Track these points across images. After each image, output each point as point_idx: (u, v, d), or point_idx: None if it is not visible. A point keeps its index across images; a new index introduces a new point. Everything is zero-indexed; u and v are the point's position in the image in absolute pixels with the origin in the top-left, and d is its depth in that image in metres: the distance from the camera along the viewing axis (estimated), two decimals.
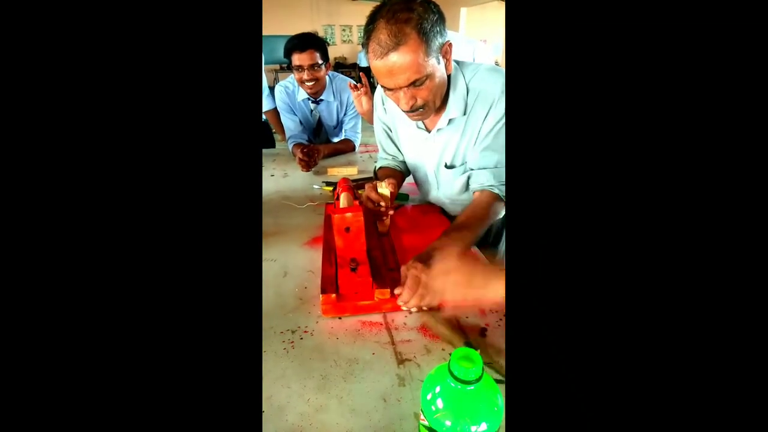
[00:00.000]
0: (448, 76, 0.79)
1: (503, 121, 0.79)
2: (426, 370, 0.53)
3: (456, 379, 0.29)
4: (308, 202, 1.09)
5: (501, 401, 0.30)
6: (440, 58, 0.71)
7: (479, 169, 0.84)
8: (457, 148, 0.86)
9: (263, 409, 0.48)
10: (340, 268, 0.67)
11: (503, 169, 0.82)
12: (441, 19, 0.69)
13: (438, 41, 0.68)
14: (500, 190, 0.82)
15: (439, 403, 0.30)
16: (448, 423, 0.29)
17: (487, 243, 1.01)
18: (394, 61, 0.66)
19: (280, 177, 1.32)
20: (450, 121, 0.83)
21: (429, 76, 0.69)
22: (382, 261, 0.70)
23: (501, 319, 0.62)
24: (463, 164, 0.88)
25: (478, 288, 0.46)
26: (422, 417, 0.32)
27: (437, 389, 0.31)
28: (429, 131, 0.88)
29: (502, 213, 0.89)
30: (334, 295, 0.61)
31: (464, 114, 0.81)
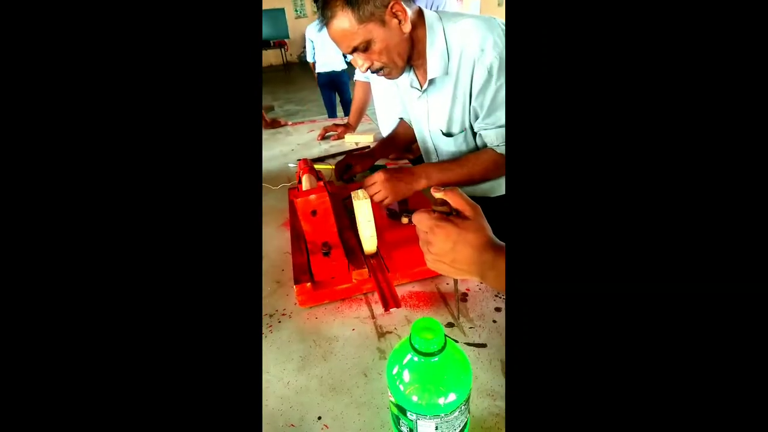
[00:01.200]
0: (423, 33, 0.74)
1: (496, 74, 0.73)
2: None
3: (418, 352, 0.28)
4: (283, 182, 1.06)
5: (469, 367, 0.29)
6: (386, 19, 0.68)
7: (484, 129, 0.78)
8: (451, 113, 0.81)
9: None
10: (312, 254, 0.64)
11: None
12: None
13: (373, 5, 0.67)
14: (504, 149, 0.77)
15: (405, 378, 0.29)
16: (414, 398, 0.28)
17: (501, 219, 0.97)
18: (331, 33, 0.71)
19: None
20: (432, 81, 0.78)
21: (370, 41, 0.70)
22: (356, 242, 0.68)
23: (482, 282, 0.61)
24: (462, 131, 0.83)
25: (467, 275, 0.43)
26: (390, 393, 0.30)
27: (402, 363, 0.29)
28: (421, 89, 0.83)
29: (497, 189, 0.86)
30: (309, 284, 0.59)
31: (446, 73, 0.76)
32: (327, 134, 1.39)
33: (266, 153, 1.31)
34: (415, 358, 0.28)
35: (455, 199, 0.43)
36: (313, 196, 0.65)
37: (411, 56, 0.76)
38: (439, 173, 0.77)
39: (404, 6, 0.69)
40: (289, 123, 1.62)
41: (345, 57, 2.82)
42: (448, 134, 0.85)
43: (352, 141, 1.33)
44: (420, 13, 0.74)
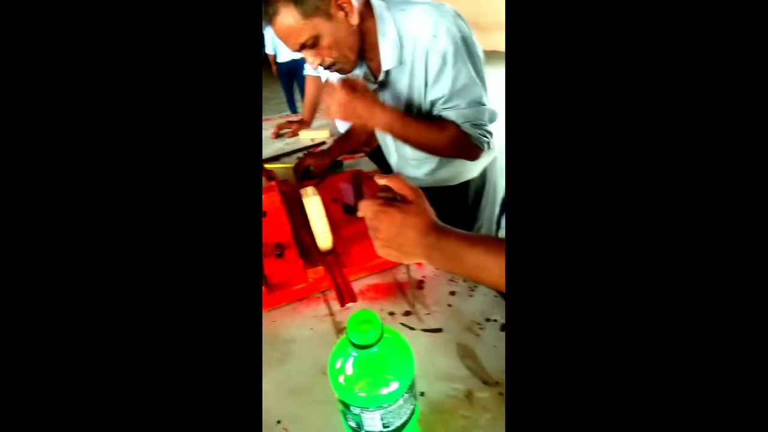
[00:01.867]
0: (373, 24, 0.72)
1: (452, 60, 0.71)
2: None
3: (355, 346, 0.27)
4: None
5: (410, 353, 0.29)
6: (332, 12, 0.66)
7: (445, 110, 0.75)
8: (408, 103, 0.78)
9: None
10: (265, 257, 0.63)
11: (476, 108, 0.74)
12: None
13: None
14: (470, 128, 0.74)
15: (347, 372, 0.29)
16: (358, 392, 0.28)
17: (466, 205, 0.96)
18: (276, 31, 0.68)
19: None
20: (387, 72, 0.76)
21: (318, 37, 0.67)
22: (310, 240, 0.67)
23: (429, 263, 0.62)
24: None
25: (413, 258, 0.44)
26: (335, 390, 0.30)
27: (343, 360, 0.29)
28: (376, 81, 0.80)
29: (473, 161, 0.82)
30: (264, 288, 0.57)
31: (400, 63, 0.74)
32: (281, 132, 1.35)
33: None
34: (354, 353, 0.28)
35: (397, 185, 0.44)
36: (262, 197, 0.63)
37: (363, 48, 0.74)
38: (400, 124, 0.72)
39: None
40: None
41: None
42: None
43: (308, 137, 1.30)
44: (367, 4, 0.72)
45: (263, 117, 1.71)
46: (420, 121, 0.75)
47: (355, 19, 0.69)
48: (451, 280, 0.60)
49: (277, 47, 2.89)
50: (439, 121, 0.76)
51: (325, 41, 0.68)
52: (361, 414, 0.28)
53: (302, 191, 0.63)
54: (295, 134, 1.34)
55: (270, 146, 1.29)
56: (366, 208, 0.43)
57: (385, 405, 0.28)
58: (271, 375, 0.48)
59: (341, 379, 0.29)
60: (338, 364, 0.29)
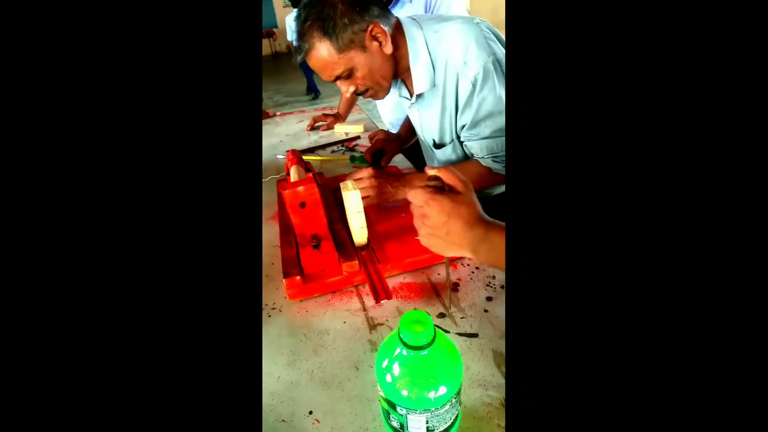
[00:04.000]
0: (406, 48, 0.72)
1: (479, 86, 0.70)
2: None
3: (407, 346, 0.27)
4: (272, 174, 1.04)
5: (460, 359, 0.29)
6: (367, 44, 0.67)
7: (468, 140, 0.76)
8: (441, 124, 0.78)
9: None
10: (301, 247, 0.63)
11: (499, 139, 0.73)
12: (358, 6, 0.65)
13: (351, 32, 0.65)
14: (492, 162, 0.74)
15: (394, 372, 0.28)
16: (404, 392, 0.27)
17: (501, 215, 0.96)
18: (311, 64, 0.69)
19: None
20: (420, 95, 0.76)
21: (352, 69, 0.68)
22: (346, 233, 0.67)
23: (474, 272, 0.61)
24: (452, 141, 0.81)
25: (459, 250, 0.43)
26: (379, 388, 0.30)
27: (391, 357, 0.28)
28: (410, 99, 0.81)
29: (496, 188, 0.83)
30: (298, 278, 0.58)
31: (433, 86, 0.74)
32: (316, 125, 1.36)
33: None
34: (404, 352, 0.27)
35: (448, 176, 0.43)
36: (301, 188, 0.64)
37: (396, 72, 0.74)
38: (401, 190, 0.74)
39: (383, 27, 0.66)
40: (278, 114, 1.59)
41: None
42: (440, 145, 0.83)
43: (342, 131, 1.31)
44: (398, 26, 0.72)
45: (299, 110, 1.73)
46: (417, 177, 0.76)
47: (389, 48, 0.68)
48: (488, 285, 0.58)
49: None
50: (463, 162, 0.78)
51: (359, 72, 0.69)
52: (407, 415, 0.28)
53: (342, 184, 0.63)
54: (330, 128, 1.34)
55: (305, 138, 1.31)
56: (415, 196, 0.43)
57: (432, 408, 0.27)
58: (305, 365, 0.49)
59: (389, 377, 0.28)
60: (386, 363, 0.29)
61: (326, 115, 1.38)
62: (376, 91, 0.74)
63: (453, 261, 0.63)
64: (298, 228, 0.67)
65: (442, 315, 0.54)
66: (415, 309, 0.29)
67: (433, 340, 0.27)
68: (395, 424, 0.29)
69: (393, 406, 0.28)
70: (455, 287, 0.59)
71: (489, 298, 0.56)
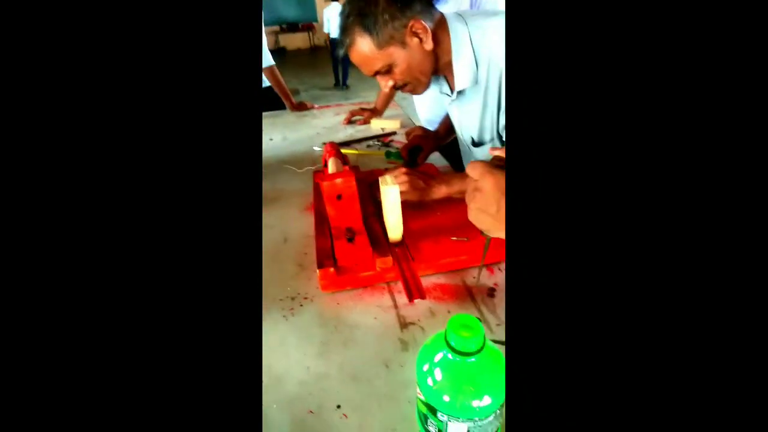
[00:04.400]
0: (448, 44, 0.70)
1: None
2: (430, 334, 0.50)
3: (454, 350, 0.26)
4: (308, 165, 1.05)
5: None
6: (407, 40, 0.66)
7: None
8: (482, 122, 0.77)
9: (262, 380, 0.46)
10: (336, 239, 0.63)
11: None
12: (399, 1, 0.64)
13: (391, 28, 0.64)
14: None
15: (437, 375, 0.27)
16: (446, 398, 0.26)
17: None
18: (352, 58, 0.70)
19: (279, 141, 1.27)
20: (461, 92, 0.74)
21: (392, 65, 0.68)
22: (381, 229, 0.66)
23: None
24: (491, 140, 0.79)
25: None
26: (418, 391, 0.29)
27: (434, 360, 0.27)
28: (451, 95, 0.79)
29: None
30: (332, 269, 0.57)
31: (475, 83, 0.72)
32: (353, 118, 1.36)
33: (292, 136, 1.30)
34: (450, 356, 0.26)
35: None
36: (339, 180, 0.64)
37: (437, 68, 0.72)
38: (459, 183, 0.73)
39: (424, 23, 0.65)
40: (315, 106, 1.60)
41: None
42: (479, 143, 0.81)
43: (379, 127, 1.30)
44: (442, 22, 0.70)
45: (336, 103, 1.74)
46: (460, 177, 0.74)
47: (429, 44, 0.67)
48: None
49: (330, 26, 3.91)
50: None
51: (399, 68, 0.68)
52: (448, 422, 0.27)
53: (381, 179, 0.62)
54: (366, 122, 1.34)
55: (341, 131, 1.31)
56: (474, 168, 0.40)
57: (476, 418, 0.26)
58: (334, 358, 0.48)
59: (430, 381, 0.27)
60: (428, 366, 0.28)
61: (363, 110, 1.38)
62: (414, 86, 0.73)
63: (489, 265, 0.61)
64: (334, 220, 0.67)
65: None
66: (460, 313, 0.27)
67: (482, 348, 0.26)
68: (432, 429, 0.28)
69: (433, 411, 0.27)
70: (491, 292, 0.57)
71: None
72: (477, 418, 0.26)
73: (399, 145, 1.12)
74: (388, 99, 1.39)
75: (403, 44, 0.67)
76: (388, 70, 0.69)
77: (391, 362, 0.47)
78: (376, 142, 1.18)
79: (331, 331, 0.52)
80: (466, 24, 0.70)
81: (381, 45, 0.66)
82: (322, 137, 1.26)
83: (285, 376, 0.47)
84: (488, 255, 0.55)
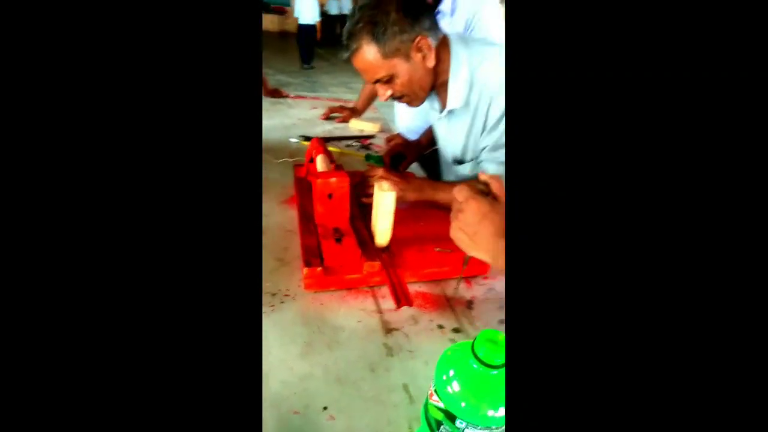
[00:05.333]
0: (447, 63, 0.73)
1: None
2: (414, 341, 0.51)
3: (479, 361, 0.27)
4: (285, 156, 1.01)
5: None
6: (411, 54, 0.69)
7: (486, 161, 0.77)
8: (466, 142, 0.80)
9: None
10: (323, 238, 0.62)
11: None
12: (410, 16, 0.66)
13: (399, 41, 0.67)
14: None
15: (455, 384, 0.28)
16: (463, 404, 0.28)
17: None
18: (355, 64, 0.71)
19: None
20: (451, 111, 0.77)
21: (393, 75, 0.70)
22: (366, 232, 0.66)
23: (489, 291, 0.62)
24: (472, 160, 0.83)
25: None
26: (434, 397, 0.30)
27: (456, 370, 0.29)
28: (440, 112, 0.82)
29: None
30: (320, 269, 0.56)
31: (466, 105, 0.75)
32: (332, 115, 1.35)
33: (266, 123, 1.25)
34: (475, 365, 0.28)
35: (497, 186, 0.45)
36: (333, 179, 0.63)
37: (434, 85, 0.75)
38: (431, 191, 0.77)
39: (429, 40, 0.68)
40: (291, 95, 1.56)
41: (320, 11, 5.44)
42: (460, 161, 0.85)
43: (357, 127, 1.30)
44: (445, 42, 0.73)
45: (313, 95, 1.70)
46: (445, 186, 0.78)
47: (431, 62, 0.70)
48: (501, 308, 0.59)
49: (300, 12, 5.06)
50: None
51: (400, 80, 0.71)
52: (465, 429, 0.28)
53: (377, 184, 0.62)
54: (345, 120, 1.33)
55: (319, 126, 1.29)
56: (461, 190, 0.44)
57: (494, 427, 0.27)
58: (319, 359, 0.48)
59: (450, 389, 0.28)
60: (451, 373, 0.29)
61: (343, 108, 1.37)
62: (411, 99, 0.75)
63: (468, 278, 0.64)
64: (320, 218, 0.66)
65: (457, 330, 0.55)
66: (495, 330, 0.29)
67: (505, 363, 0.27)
68: None
69: (452, 418, 0.28)
70: (469, 305, 0.59)
71: (501, 321, 0.57)
72: (494, 427, 0.27)
73: (378, 149, 1.13)
74: (370, 100, 1.40)
75: (408, 58, 0.69)
76: (389, 80, 0.71)
77: (376, 366, 0.48)
78: (355, 143, 1.18)
79: (314, 332, 0.52)
80: (468, 48, 0.74)
81: (387, 55, 0.67)
82: (299, 129, 1.23)
83: (268, 374, 0.45)
84: (467, 269, 0.58)
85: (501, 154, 0.75)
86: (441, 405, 0.29)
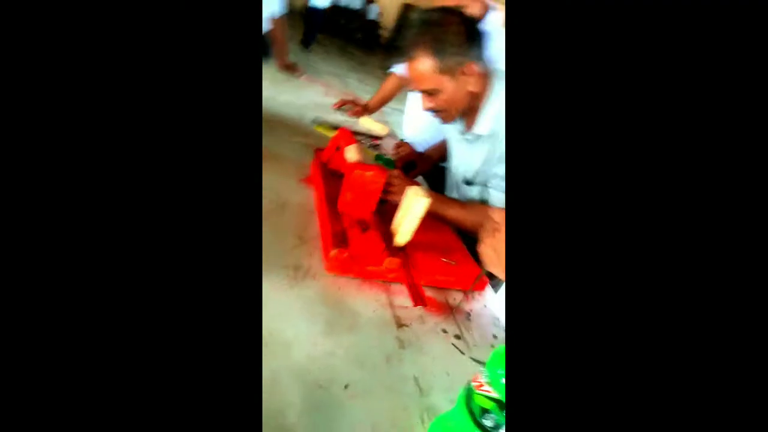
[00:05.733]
0: (484, 92, 0.79)
1: None
2: (423, 339, 0.55)
3: None
4: (299, 137, 1.01)
5: None
6: (459, 76, 0.74)
7: (494, 189, 0.83)
8: (481, 166, 0.85)
9: (267, 343, 0.45)
10: (348, 226, 0.64)
11: None
12: (472, 39, 0.73)
13: (455, 61, 0.72)
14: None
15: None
16: None
17: None
18: (408, 70, 0.75)
19: (264, 93, 1.19)
20: (477, 136, 0.83)
21: (439, 90, 0.75)
22: (385, 229, 0.69)
23: (485, 306, 0.68)
24: (481, 185, 0.88)
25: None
26: (483, 387, 0.34)
27: None
28: (463, 134, 0.87)
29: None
30: (347, 254, 0.58)
31: (491, 133, 0.81)
32: (344, 107, 1.36)
33: (279, 98, 1.23)
34: None
35: (498, 217, 0.49)
36: (370, 173, 0.66)
37: (467, 107, 0.81)
38: (443, 205, 0.82)
39: (477, 68, 0.74)
40: (305, 76, 1.54)
41: None
42: (469, 182, 0.91)
43: (366, 126, 1.32)
44: (487, 72, 0.78)
45: (323, 81, 1.69)
46: (459, 204, 0.84)
47: (474, 87, 0.76)
48: (494, 325, 0.65)
49: None
50: (480, 205, 0.85)
51: (442, 96, 0.76)
52: None
53: (412, 190, 0.66)
54: (357, 115, 1.35)
55: (331, 115, 1.29)
56: (500, 213, 0.49)
57: None
58: (340, 340, 0.50)
59: (504, 381, 0.33)
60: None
61: (356, 102, 1.38)
62: (446, 116, 0.80)
63: (467, 293, 0.70)
64: (346, 206, 0.68)
65: (458, 337, 0.60)
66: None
67: None
68: (489, 423, 0.33)
69: (503, 406, 0.32)
70: (468, 316, 0.65)
71: (495, 336, 0.63)
72: None
73: (385, 152, 1.16)
74: (384, 101, 1.42)
75: (455, 78, 0.74)
76: (431, 93, 0.76)
77: (391, 357, 0.51)
78: (365, 140, 1.20)
79: (335, 313, 0.53)
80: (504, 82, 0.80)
81: (439, 69, 0.72)
82: (312, 112, 1.23)
83: (293, 344, 0.46)
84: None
85: None
86: (494, 395, 0.33)
